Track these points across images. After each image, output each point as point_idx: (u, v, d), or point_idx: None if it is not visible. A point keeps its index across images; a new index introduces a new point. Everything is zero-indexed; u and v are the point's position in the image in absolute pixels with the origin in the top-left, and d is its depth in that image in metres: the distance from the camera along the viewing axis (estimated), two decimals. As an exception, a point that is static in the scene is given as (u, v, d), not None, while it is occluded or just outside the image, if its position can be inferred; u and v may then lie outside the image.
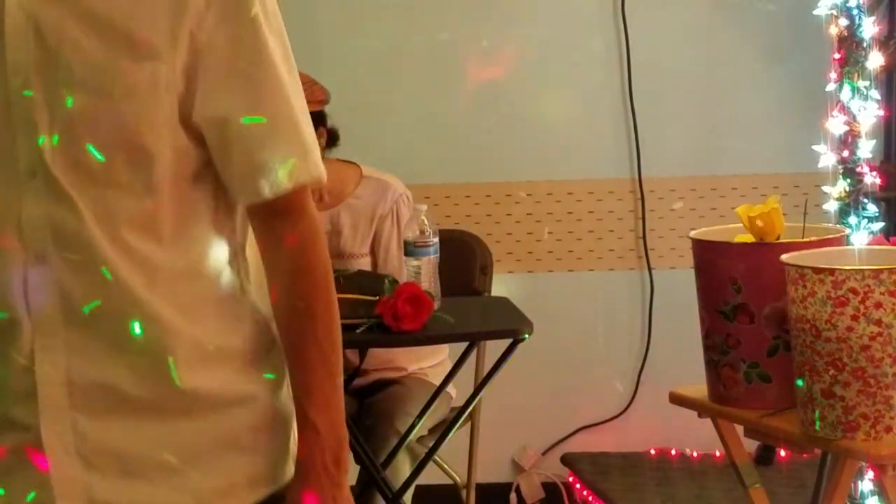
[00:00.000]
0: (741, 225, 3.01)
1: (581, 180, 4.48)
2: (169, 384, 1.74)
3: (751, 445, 3.18)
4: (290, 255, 1.80)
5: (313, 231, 1.81)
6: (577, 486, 4.40)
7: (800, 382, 2.79)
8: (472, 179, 4.47)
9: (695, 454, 4.44)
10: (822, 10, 3.69)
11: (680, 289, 4.20)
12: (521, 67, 4.43)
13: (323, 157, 3.54)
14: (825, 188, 3.68)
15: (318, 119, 3.49)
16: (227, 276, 1.81)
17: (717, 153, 4.47)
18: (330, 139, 3.55)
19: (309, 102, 3.37)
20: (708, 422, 3.13)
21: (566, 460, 4.47)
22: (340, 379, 1.83)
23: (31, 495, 1.74)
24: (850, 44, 3.63)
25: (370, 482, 3.34)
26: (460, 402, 3.39)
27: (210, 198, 1.79)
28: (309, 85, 3.45)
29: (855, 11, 3.63)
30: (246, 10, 1.74)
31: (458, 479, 3.88)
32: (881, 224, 3.65)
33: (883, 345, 2.69)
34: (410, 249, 3.12)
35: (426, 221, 3.12)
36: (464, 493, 3.85)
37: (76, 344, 1.72)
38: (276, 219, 1.80)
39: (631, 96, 4.43)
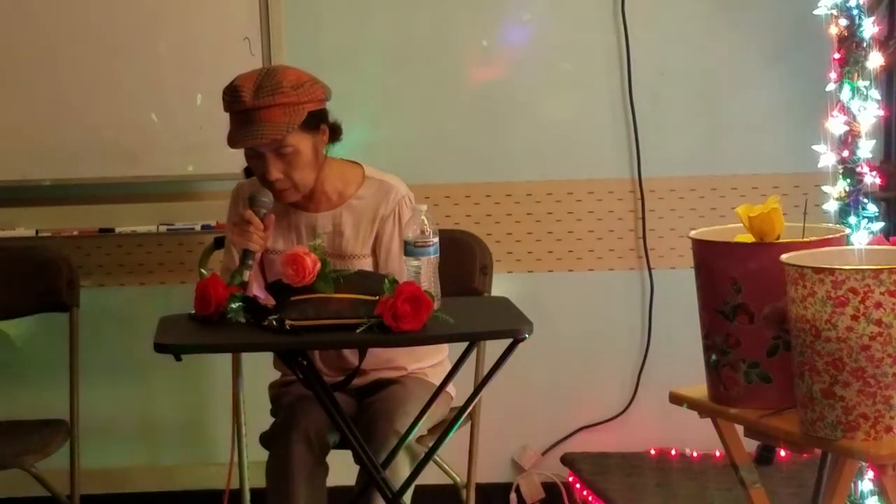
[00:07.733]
0: (741, 225, 3.01)
1: (581, 180, 4.48)
2: None
3: (751, 445, 3.18)
4: None
5: None
6: (577, 485, 4.40)
7: (800, 382, 2.79)
8: (472, 179, 4.47)
9: (695, 454, 4.44)
10: (822, 10, 3.69)
11: (680, 289, 4.21)
12: (521, 67, 4.44)
13: (326, 153, 3.57)
14: (825, 188, 3.68)
15: (320, 117, 3.49)
16: None
17: (717, 153, 4.47)
18: (333, 134, 3.54)
19: (310, 101, 3.43)
20: (708, 422, 3.13)
21: (566, 460, 4.47)
22: None
23: None
24: (850, 44, 3.63)
25: (370, 482, 3.33)
26: (460, 402, 3.39)
27: None
28: (310, 84, 3.44)
29: (855, 11, 3.63)
30: None
31: (458, 479, 3.88)
32: (881, 224, 3.65)
33: (883, 345, 2.69)
34: (410, 249, 3.12)
35: (426, 221, 3.11)
36: (464, 493, 3.85)
37: None
38: None
39: (631, 96, 4.43)
